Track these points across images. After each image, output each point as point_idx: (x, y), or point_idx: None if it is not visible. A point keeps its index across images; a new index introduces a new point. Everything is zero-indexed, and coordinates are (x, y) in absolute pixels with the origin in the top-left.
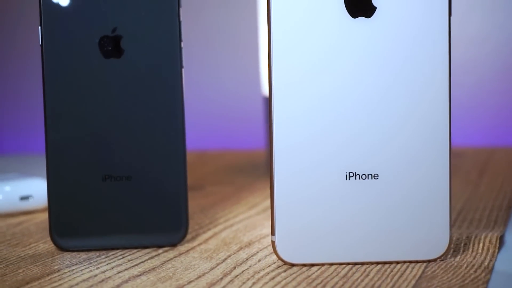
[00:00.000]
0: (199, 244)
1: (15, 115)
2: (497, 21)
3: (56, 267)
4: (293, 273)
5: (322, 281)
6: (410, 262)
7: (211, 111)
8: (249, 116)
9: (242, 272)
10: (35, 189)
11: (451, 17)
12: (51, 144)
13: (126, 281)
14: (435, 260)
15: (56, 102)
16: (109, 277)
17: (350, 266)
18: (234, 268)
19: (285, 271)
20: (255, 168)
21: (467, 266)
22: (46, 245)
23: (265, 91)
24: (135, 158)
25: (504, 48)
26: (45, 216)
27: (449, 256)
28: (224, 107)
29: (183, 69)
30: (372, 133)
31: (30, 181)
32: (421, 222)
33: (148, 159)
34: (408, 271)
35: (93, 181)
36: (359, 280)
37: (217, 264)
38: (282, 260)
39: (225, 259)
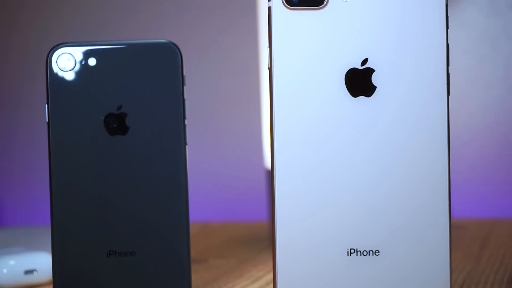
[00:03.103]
0: None
1: (20, 188)
2: (497, 94)
3: None
4: None
5: None
6: None
7: (214, 184)
8: (252, 188)
9: None
10: (39, 263)
11: (449, 96)
12: (57, 220)
13: None
14: None
15: (61, 179)
16: None
17: None
18: None
19: None
20: (258, 241)
21: None
22: None
23: (267, 165)
24: (139, 233)
25: (504, 121)
26: None
27: None
28: (227, 180)
29: (187, 146)
30: (372, 209)
31: (35, 255)
32: None
33: (152, 234)
34: None
35: (97, 256)
36: None
37: None
38: None
39: None
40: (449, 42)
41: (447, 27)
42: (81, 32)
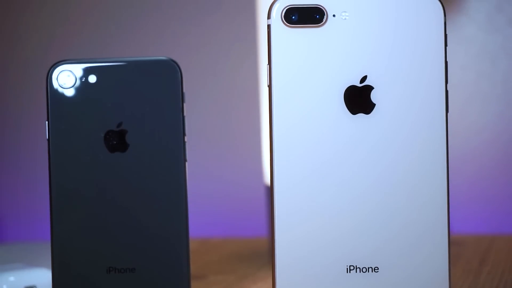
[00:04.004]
0: None
1: (20, 203)
2: (496, 110)
3: None
4: None
5: None
6: None
7: (214, 200)
8: (252, 204)
9: None
10: (39, 279)
11: (448, 113)
12: (56, 236)
13: None
14: None
15: (61, 195)
16: None
17: None
18: None
19: None
20: (257, 257)
21: None
22: None
23: (267, 182)
24: (139, 250)
25: (502, 136)
26: None
27: None
28: (227, 196)
29: (186, 163)
30: (372, 225)
31: (35, 271)
32: None
33: (152, 250)
34: None
35: (97, 273)
36: None
37: None
38: None
39: None
40: (447, 59)
41: (446, 45)
42: (81, 50)
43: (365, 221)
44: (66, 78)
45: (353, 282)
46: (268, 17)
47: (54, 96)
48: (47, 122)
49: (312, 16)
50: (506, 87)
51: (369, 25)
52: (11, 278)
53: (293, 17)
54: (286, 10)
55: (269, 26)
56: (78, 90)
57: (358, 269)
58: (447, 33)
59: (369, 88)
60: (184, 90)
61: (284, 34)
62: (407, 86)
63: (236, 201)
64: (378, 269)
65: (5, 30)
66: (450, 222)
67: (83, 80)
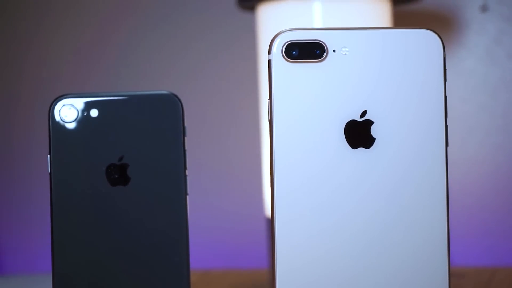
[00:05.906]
0: None
1: (20, 235)
2: (496, 142)
3: None
4: None
5: None
6: None
7: (215, 232)
8: (252, 236)
9: None
10: None
11: (448, 147)
12: (57, 269)
13: None
14: None
15: (63, 228)
16: None
17: None
18: None
19: None
20: None
21: None
22: None
23: (268, 214)
24: (140, 283)
25: (503, 169)
26: None
27: None
28: (228, 229)
29: (187, 196)
30: (371, 258)
31: None
32: None
33: (153, 283)
34: None
35: None
36: None
37: None
38: None
39: None
40: (447, 94)
41: (445, 79)
42: (84, 84)
43: (365, 253)
44: (68, 112)
45: None
46: (269, 52)
47: (56, 129)
48: (49, 155)
49: (313, 51)
50: (506, 120)
51: (369, 60)
52: None
53: (294, 52)
54: (287, 45)
55: (269, 61)
56: (80, 124)
57: None
58: (446, 67)
59: (369, 123)
60: (185, 124)
61: (284, 69)
62: (407, 121)
63: (236, 234)
64: None
65: (9, 64)
66: (451, 254)
67: (85, 114)
